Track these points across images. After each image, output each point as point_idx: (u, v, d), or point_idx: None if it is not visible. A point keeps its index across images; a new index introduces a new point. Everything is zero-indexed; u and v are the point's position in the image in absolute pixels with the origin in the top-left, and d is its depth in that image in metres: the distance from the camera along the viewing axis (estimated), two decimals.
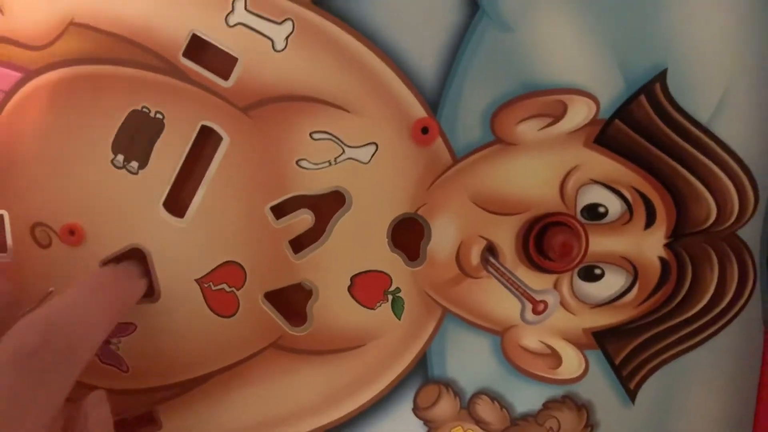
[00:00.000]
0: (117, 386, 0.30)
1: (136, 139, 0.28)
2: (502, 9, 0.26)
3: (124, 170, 0.28)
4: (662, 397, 0.30)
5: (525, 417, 0.30)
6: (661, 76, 0.27)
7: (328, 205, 0.29)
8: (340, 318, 0.30)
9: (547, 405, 0.30)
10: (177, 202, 0.29)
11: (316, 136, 0.28)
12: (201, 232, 0.29)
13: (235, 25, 0.27)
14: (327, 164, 0.28)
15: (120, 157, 0.28)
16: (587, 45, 0.27)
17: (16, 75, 0.27)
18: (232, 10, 0.27)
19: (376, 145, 0.28)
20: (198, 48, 0.27)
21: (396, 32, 0.27)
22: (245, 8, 0.27)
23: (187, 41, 0.27)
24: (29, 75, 0.27)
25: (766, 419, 0.29)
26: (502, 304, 0.29)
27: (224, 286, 0.29)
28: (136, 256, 0.29)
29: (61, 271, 0.29)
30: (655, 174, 0.28)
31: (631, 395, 0.30)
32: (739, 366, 0.29)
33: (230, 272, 0.29)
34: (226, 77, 0.27)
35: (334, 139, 0.28)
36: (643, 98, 0.27)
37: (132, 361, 0.30)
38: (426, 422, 0.31)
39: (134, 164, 0.28)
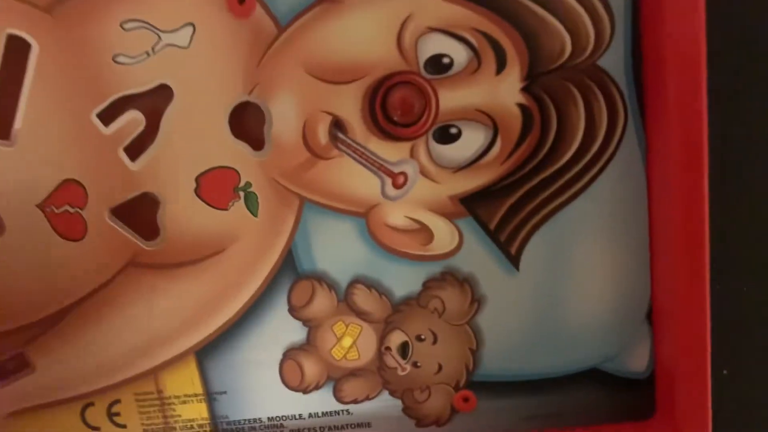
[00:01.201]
0: None
1: None
2: None
3: None
4: (548, 257, 0.27)
5: (406, 301, 0.28)
6: None
7: (157, 102, 0.26)
8: (193, 224, 0.27)
9: (427, 285, 0.28)
10: None
11: (127, 26, 0.25)
12: (32, 153, 0.27)
13: None
14: (145, 56, 0.26)
15: None
16: None
17: None
18: None
19: (193, 26, 0.25)
20: None
21: None
22: None
23: None
24: None
25: (663, 262, 0.27)
26: (360, 182, 0.27)
27: (67, 207, 0.27)
28: None
29: None
30: (497, 11, 0.25)
31: (514, 261, 0.27)
32: (624, 208, 0.27)
33: (70, 191, 0.27)
34: None
35: (147, 26, 0.25)
36: None
37: None
38: (305, 322, 0.28)
39: None
